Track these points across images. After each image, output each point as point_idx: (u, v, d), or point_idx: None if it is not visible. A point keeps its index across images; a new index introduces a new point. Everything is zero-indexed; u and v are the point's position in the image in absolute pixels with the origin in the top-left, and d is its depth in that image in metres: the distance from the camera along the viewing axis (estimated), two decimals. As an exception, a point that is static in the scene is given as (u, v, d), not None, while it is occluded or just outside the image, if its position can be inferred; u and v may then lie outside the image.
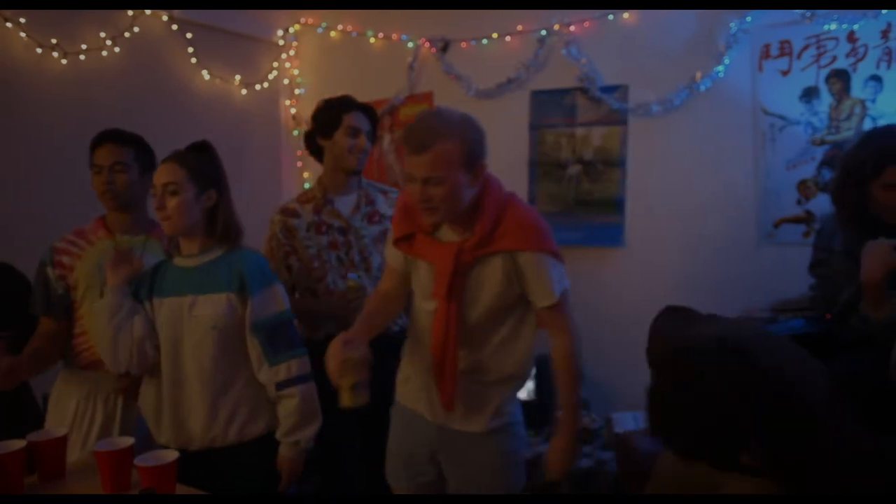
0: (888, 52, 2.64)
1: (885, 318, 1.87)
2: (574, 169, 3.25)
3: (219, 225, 1.87)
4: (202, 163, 1.86)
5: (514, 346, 1.82)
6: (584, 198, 3.23)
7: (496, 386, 1.83)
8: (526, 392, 3.01)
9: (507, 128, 3.34)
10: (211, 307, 1.81)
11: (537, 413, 2.90)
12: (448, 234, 1.77)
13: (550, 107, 3.29)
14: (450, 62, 3.52)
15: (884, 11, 2.62)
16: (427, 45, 3.58)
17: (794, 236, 2.80)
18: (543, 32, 3.27)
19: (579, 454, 2.31)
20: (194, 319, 1.82)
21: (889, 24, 2.63)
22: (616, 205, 3.16)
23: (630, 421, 2.90)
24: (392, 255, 1.90)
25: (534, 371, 2.97)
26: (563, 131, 3.26)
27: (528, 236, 1.73)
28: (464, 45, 3.49)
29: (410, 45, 3.62)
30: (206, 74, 3.53)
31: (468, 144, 1.65)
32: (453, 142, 1.62)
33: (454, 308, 1.73)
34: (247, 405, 1.86)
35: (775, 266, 2.76)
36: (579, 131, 3.23)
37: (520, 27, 3.34)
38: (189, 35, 3.41)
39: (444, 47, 3.53)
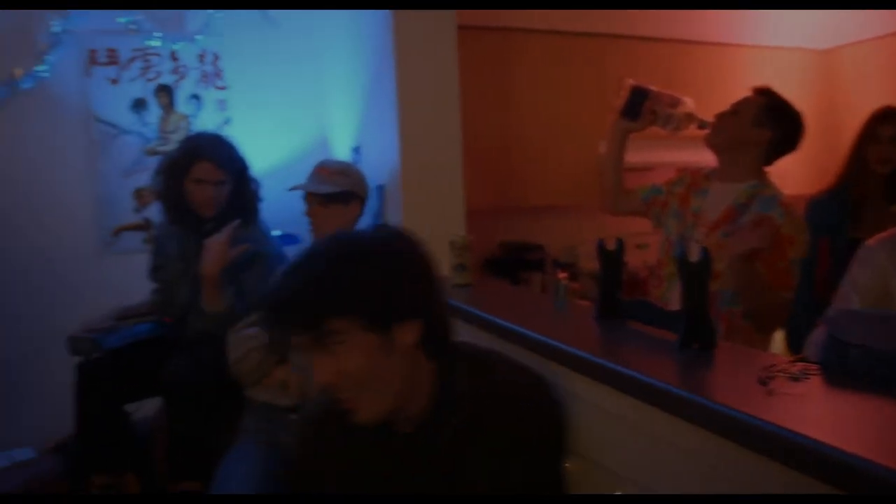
0: (205, 75, 2.95)
1: (221, 311, 2.10)
2: None
3: None
4: None
5: None
6: None
7: None
8: None
9: None
10: None
11: None
12: None
13: None
14: None
15: (199, 37, 2.90)
16: None
17: (135, 244, 2.85)
18: None
19: None
20: None
21: (204, 51, 2.94)
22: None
23: None
24: None
25: None
26: None
27: None
28: None
29: None
30: None
31: None
32: None
33: None
34: None
35: (117, 274, 2.75)
36: None
37: None
38: None
39: None
